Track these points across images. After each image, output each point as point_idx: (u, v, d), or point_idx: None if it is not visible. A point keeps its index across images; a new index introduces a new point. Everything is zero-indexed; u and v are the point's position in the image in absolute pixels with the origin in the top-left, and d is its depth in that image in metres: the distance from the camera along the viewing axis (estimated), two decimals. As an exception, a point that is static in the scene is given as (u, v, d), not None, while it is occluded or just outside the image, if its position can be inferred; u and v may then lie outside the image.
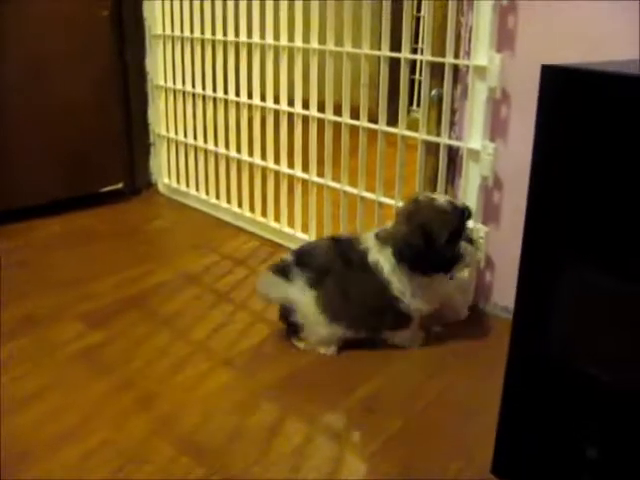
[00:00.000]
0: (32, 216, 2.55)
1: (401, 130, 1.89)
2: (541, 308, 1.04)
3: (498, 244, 1.80)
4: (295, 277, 1.64)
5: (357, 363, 1.66)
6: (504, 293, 1.84)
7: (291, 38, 2.16)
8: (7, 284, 2.04)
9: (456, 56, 1.75)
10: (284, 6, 2.13)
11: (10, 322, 1.81)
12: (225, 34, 2.40)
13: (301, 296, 1.63)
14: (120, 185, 2.79)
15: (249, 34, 2.30)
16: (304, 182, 2.23)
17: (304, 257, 1.68)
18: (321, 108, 2.11)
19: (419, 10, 3.69)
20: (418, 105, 3.24)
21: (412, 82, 3.86)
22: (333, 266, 1.65)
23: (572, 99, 0.94)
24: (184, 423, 1.41)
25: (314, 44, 2.08)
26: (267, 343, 1.73)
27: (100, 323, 1.81)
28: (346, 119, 2.02)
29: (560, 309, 1.02)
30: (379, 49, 1.90)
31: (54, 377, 1.57)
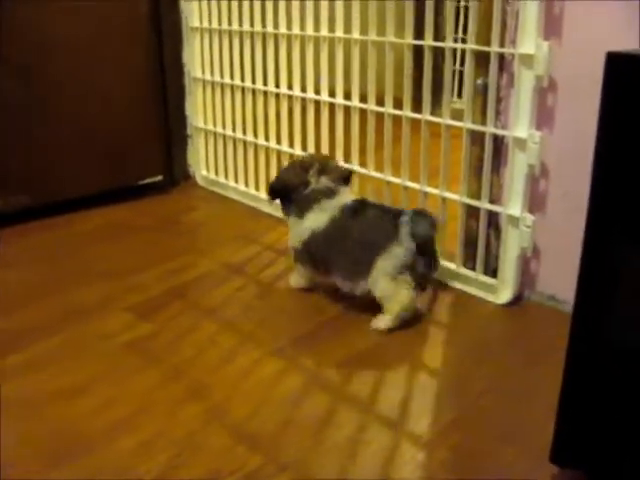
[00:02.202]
0: (72, 209, 2.58)
1: (445, 120, 1.88)
2: (604, 293, 1.04)
3: (545, 232, 1.79)
4: None
5: (405, 344, 1.69)
6: (550, 281, 1.84)
7: (331, 29, 2.15)
8: (48, 276, 2.06)
9: (501, 44, 1.74)
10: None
11: (56, 314, 1.83)
12: (264, 26, 2.40)
13: None
14: (159, 177, 2.81)
15: (288, 25, 2.31)
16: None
17: None
18: (359, 99, 2.12)
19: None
20: (459, 96, 3.25)
21: (442, 72, 3.85)
22: None
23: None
24: (237, 413, 1.42)
25: (355, 34, 2.08)
26: (316, 332, 1.74)
27: (147, 314, 1.82)
28: (389, 109, 2.01)
29: (624, 293, 1.01)
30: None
31: (104, 368, 1.59)
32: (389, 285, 1.72)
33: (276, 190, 1.92)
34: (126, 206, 2.69)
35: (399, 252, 1.70)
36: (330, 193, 1.84)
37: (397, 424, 1.38)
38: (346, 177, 1.92)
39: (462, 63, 3.27)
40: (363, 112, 2.11)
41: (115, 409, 1.43)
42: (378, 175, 2.11)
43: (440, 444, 1.32)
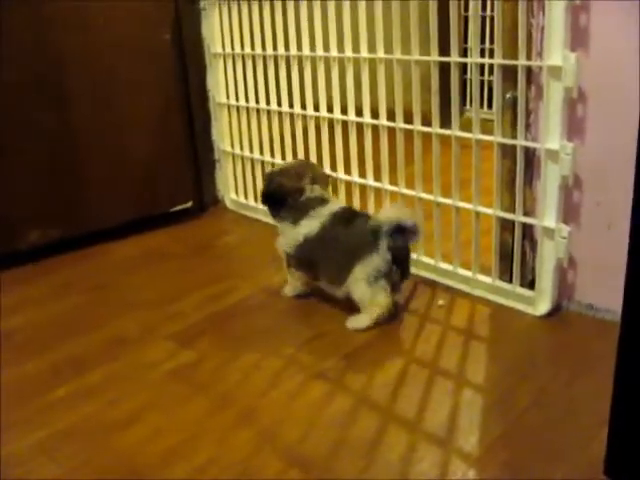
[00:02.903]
0: (105, 239, 2.61)
1: (475, 134, 1.89)
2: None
3: (580, 242, 1.79)
4: None
5: (446, 360, 1.70)
6: (587, 291, 1.84)
7: (356, 49, 2.17)
8: (88, 308, 2.10)
9: (528, 57, 1.75)
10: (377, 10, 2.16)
11: (100, 345, 1.86)
12: (287, 49, 2.43)
13: None
14: (189, 204, 2.83)
15: (312, 48, 2.33)
16: (377, 190, 2.24)
17: None
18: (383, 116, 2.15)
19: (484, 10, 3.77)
20: (489, 107, 3.27)
21: (465, 82, 3.87)
22: None
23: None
24: (287, 436, 1.43)
25: (380, 54, 2.09)
26: (357, 355, 1.75)
27: (188, 342, 1.84)
28: (418, 126, 2.03)
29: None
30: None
31: (152, 397, 1.61)
32: (367, 290, 1.84)
33: (273, 195, 2.01)
34: (158, 233, 2.72)
35: (377, 261, 1.82)
36: (323, 201, 1.97)
37: (446, 441, 1.39)
38: (329, 183, 2.12)
39: (482, 73, 3.32)
40: (391, 130, 2.12)
41: (167, 437, 1.45)
42: (409, 192, 2.12)
43: (490, 461, 1.33)
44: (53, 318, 2.04)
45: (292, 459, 1.35)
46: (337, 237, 1.89)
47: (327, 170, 2.39)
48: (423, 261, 2.15)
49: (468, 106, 4.03)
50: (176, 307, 2.05)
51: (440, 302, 1.97)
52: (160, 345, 1.83)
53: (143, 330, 1.93)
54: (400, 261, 1.86)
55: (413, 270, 2.13)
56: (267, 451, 1.38)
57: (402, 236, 1.83)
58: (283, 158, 2.60)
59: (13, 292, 2.22)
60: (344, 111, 2.29)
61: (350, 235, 1.87)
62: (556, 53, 1.67)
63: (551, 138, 1.73)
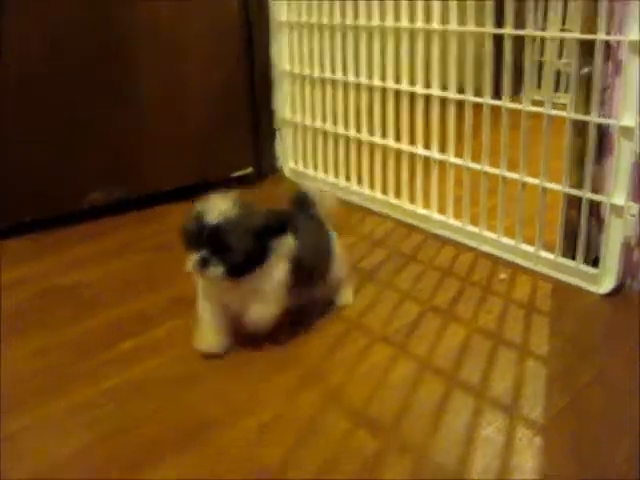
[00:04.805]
0: (167, 201, 2.63)
1: (547, 110, 1.88)
2: None
3: (649, 221, 1.78)
4: None
5: (509, 332, 1.69)
6: (653, 271, 1.83)
7: (427, 19, 2.17)
8: (150, 267, 2.13)
9: (607, 32, 1.73)
10: None
11: (163, 302, 1.88)
12: (356, 18, 2.42)
13: None
14: (249, 170, 2.85)
15: (382, 17, 2.32)
16: (441, 163, 2.24)
17: None
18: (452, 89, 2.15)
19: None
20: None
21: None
22: None
23: None
24: (353, 397, 1.44)
25: (471, 26, 2.09)
26: (419, 322, 1.75)
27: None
28: (487, 100, 2.02)
29: None
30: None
31: (217, 355, 1.62)
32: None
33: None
34: (218, 197, 2.73)
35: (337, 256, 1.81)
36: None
37: (511, 408, 1.40)
38: None
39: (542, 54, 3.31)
40: (459, 103, 2.12)
41: (233, 394, 1.47)
42: (475, 165, 2.12)
43: (556, 430, 1.33)
44: (116, 276, 2.07)
45: (359, 419, 1.37)
46: (310, 239, 1.70)
47: (391, 140, 2.39)
48: (484, 235, 2.14)
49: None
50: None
51: (502, 276, 1.97)
52: (221, 305, 1.85)
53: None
54: None
55: (474, 244, 2.15)
56: (334, 410, 1.40)
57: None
58: (346, 128, 2.60)
59: (77, 249, 2.26)
60: (411, 83, 2.28)
61: (317, 234, 1.78)
62: (637, 28, 1.64)
63: (628, 115, 1.70)
